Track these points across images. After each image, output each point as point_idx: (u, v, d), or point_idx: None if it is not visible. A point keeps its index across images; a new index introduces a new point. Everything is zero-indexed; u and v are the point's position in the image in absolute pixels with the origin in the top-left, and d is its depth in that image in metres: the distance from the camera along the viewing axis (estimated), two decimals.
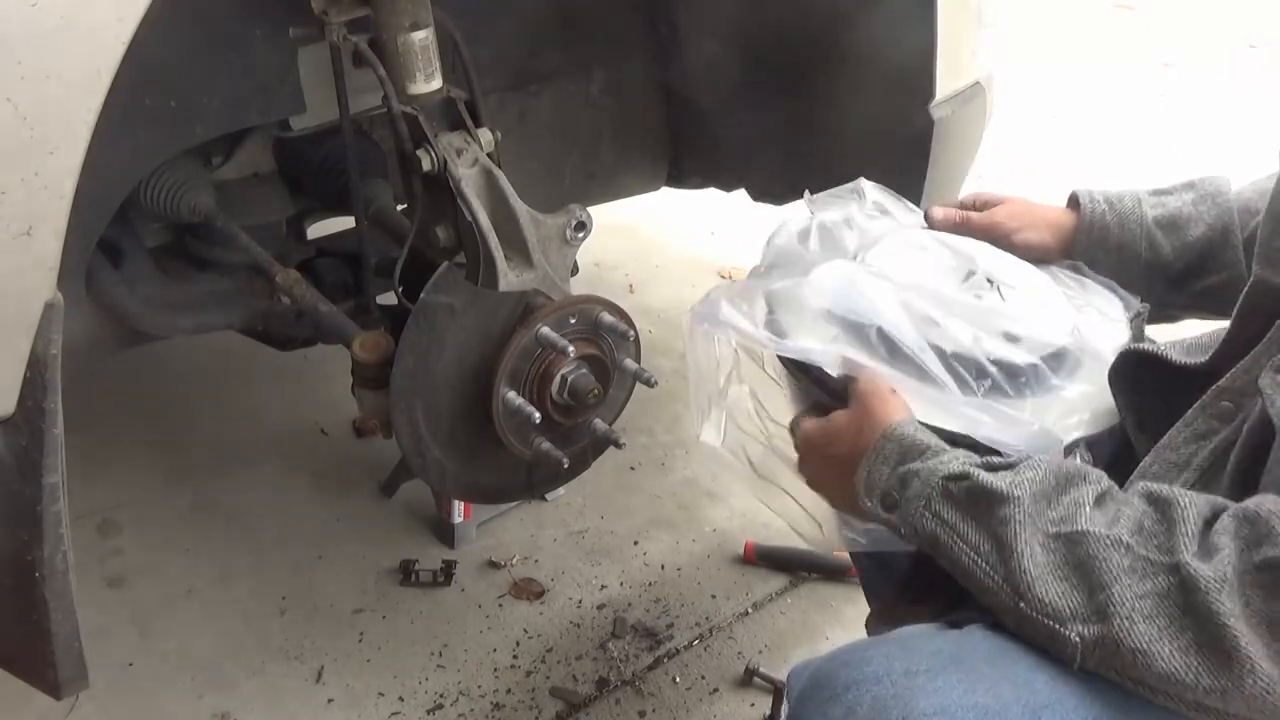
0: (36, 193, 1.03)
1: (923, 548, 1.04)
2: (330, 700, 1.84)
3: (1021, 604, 0.95)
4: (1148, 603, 0.90)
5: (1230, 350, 1.20)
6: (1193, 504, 0.94)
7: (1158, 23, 5.01)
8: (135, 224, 1.66)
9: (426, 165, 1.44)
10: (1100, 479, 1.01)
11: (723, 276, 3.07)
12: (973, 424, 1.16)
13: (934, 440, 1.09)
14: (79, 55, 1.03)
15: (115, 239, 1.59)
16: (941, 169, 1.84)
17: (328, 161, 1.74)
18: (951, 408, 1.19)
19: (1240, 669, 0.86)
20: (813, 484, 1.24)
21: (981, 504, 1.00)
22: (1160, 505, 0.96)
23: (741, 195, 2.22)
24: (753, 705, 1.87)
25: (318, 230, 1.93)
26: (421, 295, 1.37)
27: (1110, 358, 1.27)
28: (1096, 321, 1.34)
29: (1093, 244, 1.40)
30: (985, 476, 1.01)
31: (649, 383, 1.51)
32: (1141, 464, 1.17)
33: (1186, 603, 0.89)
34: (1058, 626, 0.93)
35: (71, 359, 1.17)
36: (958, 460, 1.05)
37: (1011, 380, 1.22)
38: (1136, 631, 0.90)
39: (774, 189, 2.15)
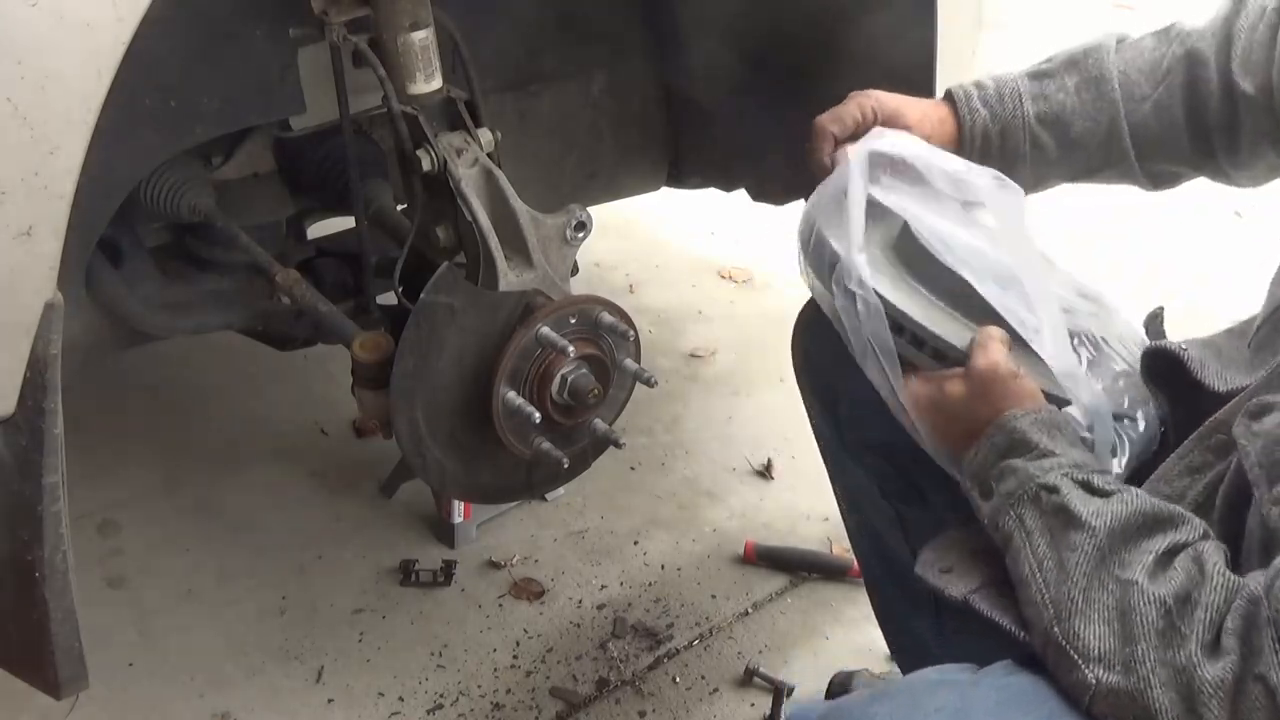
0: (36, 193, 1.03)
1: (996, 541, 1.06)
2: (330, 700, 1.84)
3: (1056, 629, 0.95)
4: (1167, 671, 0.89)
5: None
6: (1218, 589, 0.92)
7: (1158, 23, 4.99)
8: (135, 224, 1.66)
9: (426, 165, 1.44)
10: (1189, 529, 0.99)
11: (723, 277, 3.07)
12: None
13: (1044, 440, 1.08)
14: (79, 55, 1.03)
15: (115, 239, 1.59)
16: None
17: (328, 161, 1.74)
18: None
19: None
20: (915, 416, 1.22)
21: (1059, 522, 1.01)
22: (1196, 580, 0.94)
23: (741, 195, 2.22)
24: (753, 705, 1.87)
25: (318, 230, 1.93)
26: (421, 295, 1.37)
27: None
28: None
29: (975, 154, 1.37)
30: (1074, 497, 1.01)
31: (649, 383, 1.51)
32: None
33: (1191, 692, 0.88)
34: (1081, 663, 0.93)
35: (71, 359, 1.17)
36: (1060, 469, 1.04)
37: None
38: (1152, 695, 0.89)
39: (774, 189, 2.15)
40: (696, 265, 3.10)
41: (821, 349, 1.48)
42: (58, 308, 1.09)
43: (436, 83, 1.45)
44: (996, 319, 1.20)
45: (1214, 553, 0.96)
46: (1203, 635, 0.90)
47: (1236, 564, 0.98)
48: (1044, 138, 1.38)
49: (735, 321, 2.88)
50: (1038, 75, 1.40)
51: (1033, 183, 1.39)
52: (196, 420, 2.42)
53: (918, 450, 1.25)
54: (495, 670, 1.90)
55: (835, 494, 1.66)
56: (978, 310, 1.22)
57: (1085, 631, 0.93)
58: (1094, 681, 0.92)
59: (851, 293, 1.22)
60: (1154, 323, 1.37)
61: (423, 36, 1.41)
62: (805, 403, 1.62)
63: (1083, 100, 1.37)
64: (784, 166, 2.08)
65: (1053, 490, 1.02)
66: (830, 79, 1.88)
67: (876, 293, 1.21)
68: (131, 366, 2.37)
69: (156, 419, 2.41)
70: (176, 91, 1.33)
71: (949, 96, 1.42)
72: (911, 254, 1.28)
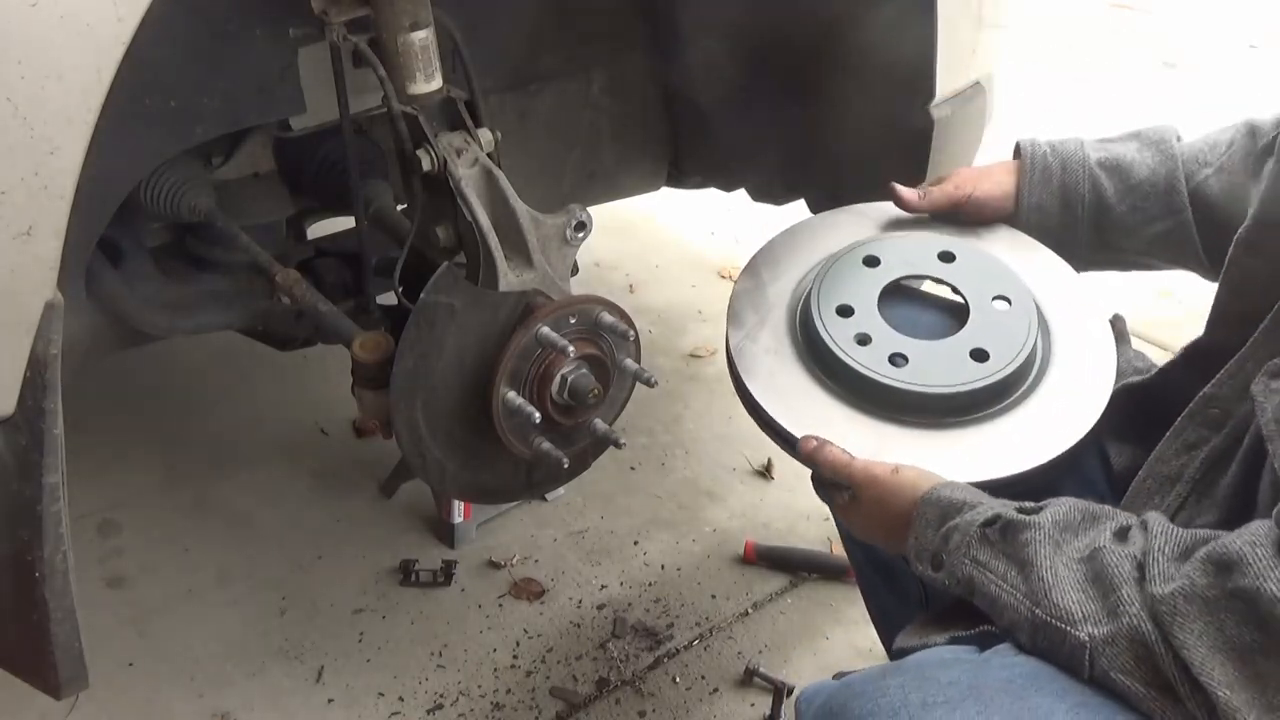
0: (36, 193, 1.04)
1: (962, 594, 1.07)
2: (330, 700, 1.84)
3: (1037, 610, 0.98)
4: (1150, 603, 0.92)
5: (1224, 322, 1.21)
6: (1165, 534, 0.97)
7: (1158, 22, 5.01)
8: (135, 224, 1.66)
9: (426, 165, 1.44)
10: (1126, 516, 1.04)
11: (723, 276, 3.07)
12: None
13: (970, 494, 1.12)
14: (79, 55, 1.03)
15: (115, 239, 1.59)
16: (942, 169, 1.83)
17: (328, 161, 1.74)
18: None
19: (1207, 699, 0.88)
20: (848, 512, 1.26)
21: (1009, 536, 1.04)
22: (1133, 548, 0.99)
23: (741, 195, 2.22)
24: (753, 705, 1.87)
25: (318, 230, 1.93)
26: (421, 295, 1.37)
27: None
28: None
29: (1036, 185, 1.41)
30: (1014, 514, 1.05)
31: (649, 383, 1.51)
32: (1136, 479, 1.18)
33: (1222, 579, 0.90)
34: (1069, 629, 0.95)
35: (71, 359, 1.17)
36: (993, 508, 1.08)
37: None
38: (1145, 629, 0.91)
39: (774, 189, 2.15)
40: (696, 265, 3.10)
41: None
42: (58, 308, 1.09)
43: (436, 83, 1.45)
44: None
45: (1159, 519, 1.01)
46: (1165, 568, 0.93)
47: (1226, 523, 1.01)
48: (1103, 180, 1.40)
49: None
50: (1104, 139, 1.44)
51: (1088, 235, 1.41)
52: (196, 420, 2.42)
53: None
54: (495, 670, 1.90)
55: None
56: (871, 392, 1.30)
57: (1064, 600, 0.97)
58: (1087, 639, 0.94)
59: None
60: (1117, 324, 1.39)
61: (423, 36, 1.41)
62: None
63: (1144, 156, 1.40)
64: (784, 166, 2.09)
65: (994, 520, 1.06)
66: (830, 79, 1.89)
67: (740, 377, 1.35)
68: (131, 366, 2.37)
69: (156, 419, 2.41)
70: (176, 91, 1.33)
71: (1017, 145, 1.47)
72: (811, 335, 1.36)
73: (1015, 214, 1.44)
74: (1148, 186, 1.39)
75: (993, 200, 1.45)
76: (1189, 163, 1.38)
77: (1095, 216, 1.41)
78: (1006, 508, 1.07)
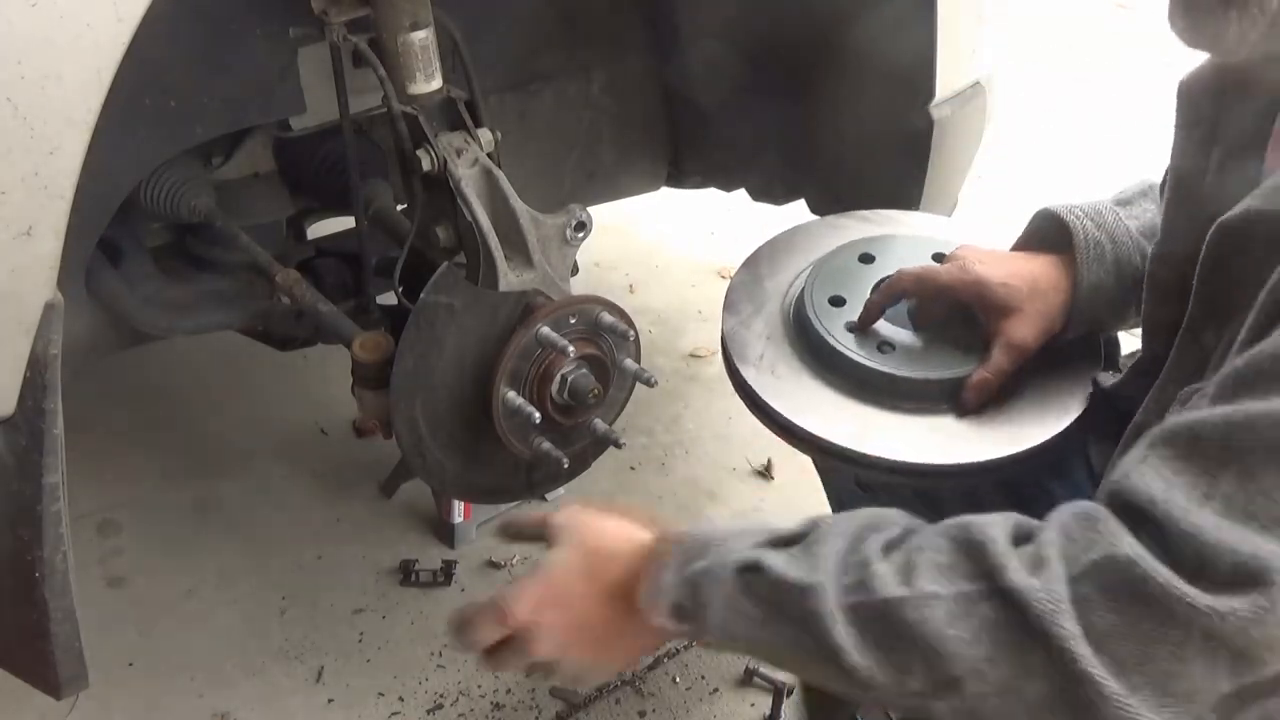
0: (36, 193, 1.04)
1: (738, 652, 1.00)
2: (330, 700, 1.84)
3: (873, 693, 0.89)
4: (983, 647, 0.84)
5: (1153, 332, 1.21)
6: (990, 522, 0.89)
7: (1159, 22, 5.00)
8: (135, 224, 1.66)
9: (426, 165, 1.44)
10: (895, 520, 0.96)
11: (723, 277, 3.06)
12: None
13: (712, 532, 1.00)
14: (79, 55, 1.03)
15: (115, 239, 1.59)
16: (941, 169, 1.83)
17: (328, 161, 1.74)
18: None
19: (1090, 691, 0.80)
20: (556, 662, 1.05)
21: (787, 600, 0.92)
22: (954, 533, 0.90)
23: (741, 195, 2.22)
24: (753, 705, 1.87)
25: (318, 230, 1.93)
26: (421, 295, 1.37)
27: None
28: None
29: (1093, 264, 1.32)
30: (779, 568, 0.93)
31: (649, 383, 1.51)
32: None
33: (1025, 628, 0.83)
34: (898, 697, 0.88)
35: (71, 359, 1.17)
36: (744, 547, 0.96)
37: None
38: (987, 688, 0.84)
39: (774, 189, 2.15)
40: (696, 265, 3.10)
41: None
42: (58, 308, 1.09)
43: (436, 83, 1.45)
44: None
45: (939, 525, 0.93)
46: (1009, 563, 0.85)
47: None
48: (1147, 249, 1.33)
49: None
50: (1121, 202, 1.39)
51: (1135, 305, 1.36)
52: (196, 420, 2.42)
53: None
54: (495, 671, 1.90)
55: (827, 496, 1.67)
56: None
57: (881, 677, 0.87)
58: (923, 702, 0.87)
59: None
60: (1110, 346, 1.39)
61: (423, 36, 1.41)
62: None
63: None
64: (784, 166, 2.09)
65: (754, 568, 0.94)
66: (830, 79, 1.89)
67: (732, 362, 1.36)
68: (131, 366, 2.37)
69: (156, 419, 2.41)
70: (176, 91, 1.33)
71: (1047, 218, 1.36)
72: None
73: (1072, 297, 1.31)
74: None
75: (1011, 296, 1.32)
76: None
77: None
78: (757, 542, 0.96)
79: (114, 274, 1.58)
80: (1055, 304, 1.30)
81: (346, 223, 1.85)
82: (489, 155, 1.48)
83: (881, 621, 0.88)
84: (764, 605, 0.93)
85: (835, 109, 1.90)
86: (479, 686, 1.87)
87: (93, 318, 1.57)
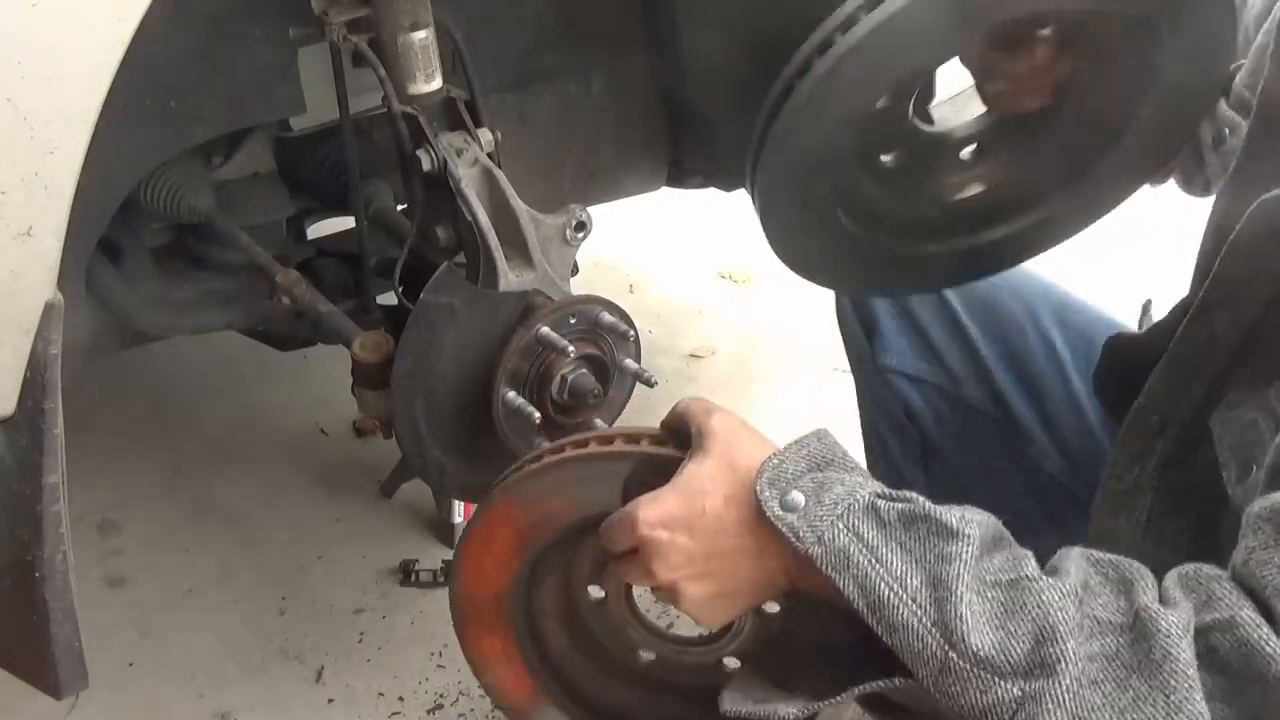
0: (36, 193, 1.03)
1: (820, 563, 0.86)
2: (330, 700, 1.84)
3: (952, 654, 0.81)
4: (1095, 666, 0.79)
5: (1141, 338, 1.22)
6: (1139, 568, 0.85)
7: None
8: (135, 224, 1.66)
9: (426, 165, 1.44)
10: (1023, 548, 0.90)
11: (723, 277, 3.07)
12: None
13: (852, 458, 0.93)
14: (79, 55, 1.03)
15: (115, 239, 1.59)
16: None
17: (328, 161, 1.74)
18: None
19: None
20: (675, 570, 0.94)
21: (919, 532, 0.85)
22: (1099, 564, 0.86)
23: (741, 195, 2.22)
24: None
25: (318, 230, 1.93)
26: (421, 295, 1.37)
27: None
28: None
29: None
30: (930, 505, 0.87)
31: (649, 383, 1.51)
32: (1095, 502, 1.17)
33: (1136, 659, 0.79)
34: (995, 679, 0.80)
35: (71, 359, 1.17)
36: (883, 485, 0.90)
37: None
38: (1083, 696, 0.78)
39: None
40: (696, 265, 3.10)
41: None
42: (58, 308, 1.09)
43: (436, 83, 1.45)
44: None
45: (1087, 553, 0.88)
46: (1150, 594, 0.82)
47: (1198, 550, 0.96)
48: None
49: (735, 321, 2.88)
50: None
51: None
52: (196, 420, 2.42)
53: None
54: None
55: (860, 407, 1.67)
56: None
57: (984, 645, 0.80)
58: (1019, 695, 0.79)
59: None
60: (1144, 315, 1.38)
61: (423, 36, 1.41)
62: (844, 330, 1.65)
63: None
64: None
65: (898, 499, 0.87)
66: None
67: None
68: (131, 366, 2.37)
69: (156, 419, 2.41)
70: (176, 91, 1.33)
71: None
72: None
73: None
74: None
75: None
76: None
77: None
78: (915, 499, 0.88)
79: (114, 274, 1.58)
80: None
81: (346, 223, 1.85)
82: (489, 155, 1.48)
83: (1009, 591, 0.82)
84: (885, 531, 0.85)
85: None
86: (479, 686, 1.87)
87: (93, 318, 1.57)
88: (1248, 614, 0.78)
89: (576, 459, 1.06)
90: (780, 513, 0.87)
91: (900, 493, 0.88)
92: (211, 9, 1.33)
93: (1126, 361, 1.25)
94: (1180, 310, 1.16)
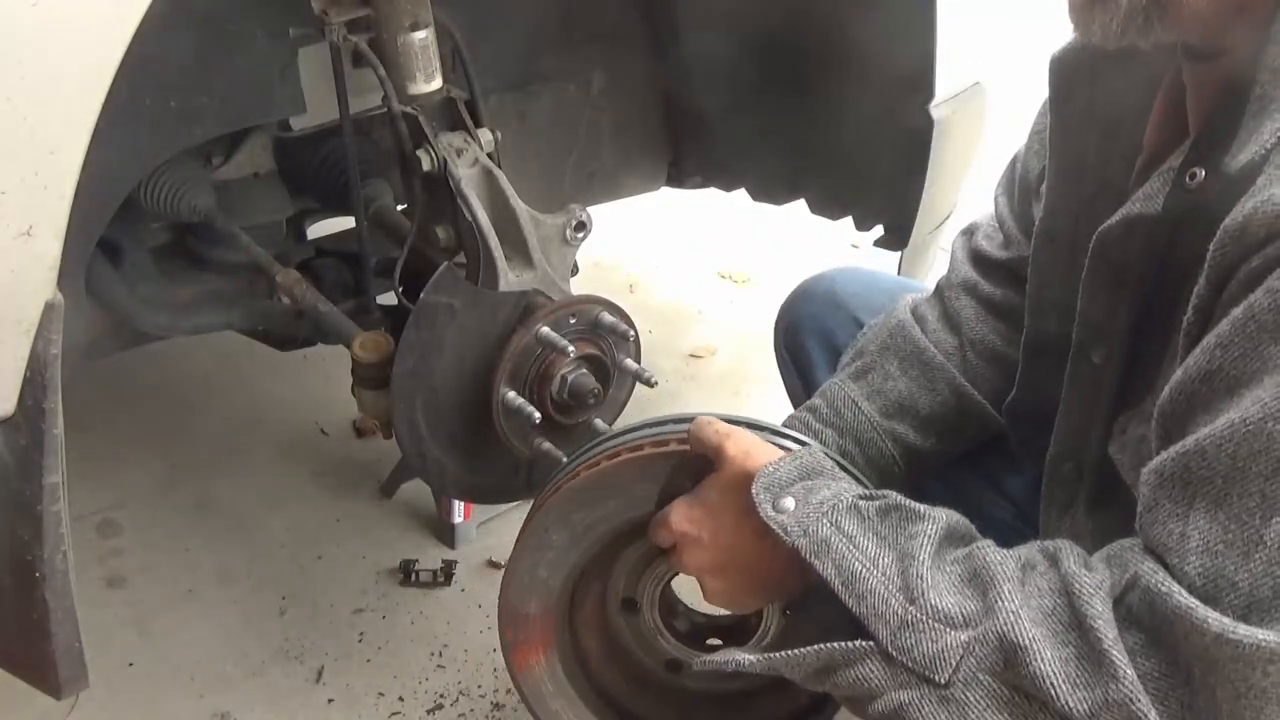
0: (36, 193, 1.03)
1: (805, 553, 0.97)
2: (330, 700, 1.84)
3: (911, 607, 0.90)
4: (1034, 610, 0.88)
5: (1030, 394, 1.25)
6: (1078, 549, 0.93)
7: None
8: (135, 224, 1.66)
9: (426, 165, 1.44)
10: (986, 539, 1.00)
11: (723, 277, 3.07)
12: None
13: (840, 471, 1.07)
14: (79, 55, 1.03)
15: (115, 239, 1.59)
16: (941, 169, 1.83)
17: (328, 161, 1.74)
18: None
19: (1106, 673, 0.82)
20: (700, 564, 1.10)
21: (893, 519, 0.98)
22: (1045, 548, 0.95)
23: (741, 195, 2.22)
24: None
25: (318, 230, 1.93)
26: (421, 295, 1.38)
27: None
28: None
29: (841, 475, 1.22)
30: (904, 499, 0.99)
31: (649, 383, 1.51)
32: None
33: (1071, 616, 0.86)
34: (946, 630, 0.89)
35: (71, 359, 1.17)
36: (867, 489, 1.03)
37: None
38: (1021, 628, 0.86)
39: (774, 189, 2.15)
40: (696, 265, 3.10)
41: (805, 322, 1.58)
42: (58, 308, 1.09)
43: (436, 83, 1.45)
44: None
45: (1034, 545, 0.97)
46: (1072, 560, 0.90)
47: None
48: (900, 430, 1.35)
49: (735, 321, 2.88)
50: (860, 374, 1.37)
51: (915, 475, 1.37)
52: (196, 420, 2.42)
53: None
54: (495, 670, 1.90)
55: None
56: None
57: (942, 601, 0.90)
58: (966, 640, 0.88)
59: None
60: None
61: (423, 36, 1.41)
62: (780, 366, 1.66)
63: (911, 378, 1.35)
64: (784, 166, 2.09)
65: (875, 496, 1.00)
66: (830, 79, 1.89)
67: None
68: (131, 366, 2.37)
69: (156, 419, 2.41)
70: (176, 91, 1.33)
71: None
72: None
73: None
74: (939, 409, 1.35)
75: None
76: (951, 359, 1.36)
77: (907, 466, 1.36)
78: (891, 495, 1.00)
79: (114, 274, 1.58)
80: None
81: (346, 223, 1.85)
82: (489, 155, 1.48)
83: (964, 562, 0.94)
84: (864, 523, 0.97)
85: (835, 109, 1.90)
86: (479, 686, 1.87)
87: (93, 318, 1.57)
88: (1147, 565, 0.85)
89: (636, 460, 1.16)
90: (772, 513, 1.00)
91: (880, 491, 1.01)
92: (211, 9, 1.33)
93: (1023, 415, 1.29)
94: (1029, 346, 1.25)
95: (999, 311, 1.36)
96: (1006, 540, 0.98)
